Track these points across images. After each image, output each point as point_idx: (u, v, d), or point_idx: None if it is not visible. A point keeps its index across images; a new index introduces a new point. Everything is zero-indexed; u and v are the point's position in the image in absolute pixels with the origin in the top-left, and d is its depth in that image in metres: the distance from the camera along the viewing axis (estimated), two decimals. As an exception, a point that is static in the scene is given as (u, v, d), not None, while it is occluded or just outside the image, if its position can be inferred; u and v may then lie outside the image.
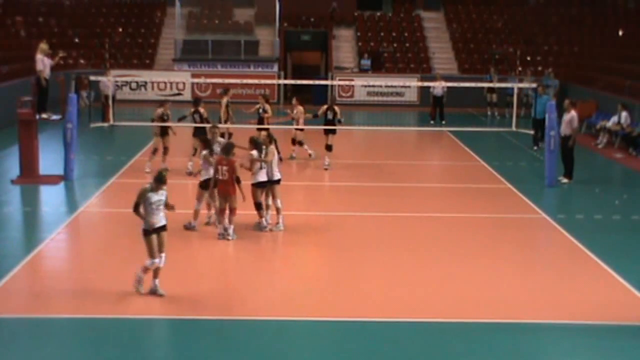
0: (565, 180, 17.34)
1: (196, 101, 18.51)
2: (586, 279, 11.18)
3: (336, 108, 18.58)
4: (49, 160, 17.62)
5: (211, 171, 12.70)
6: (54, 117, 17.15)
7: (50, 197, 15.70)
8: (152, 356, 8.50)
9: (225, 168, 12.31)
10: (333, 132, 18.57)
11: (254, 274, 11.23)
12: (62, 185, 16.45)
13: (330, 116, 18.61)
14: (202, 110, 17.77)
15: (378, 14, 36.76)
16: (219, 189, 12.52)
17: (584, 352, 8.85)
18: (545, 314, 9.77)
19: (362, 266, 11.53)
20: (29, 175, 16.53)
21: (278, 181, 13.20)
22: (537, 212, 14.92)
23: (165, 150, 17.90)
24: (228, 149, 12.58)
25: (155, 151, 17.81)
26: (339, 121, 18.57)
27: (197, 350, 8.57)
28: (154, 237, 10.07)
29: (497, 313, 9.82)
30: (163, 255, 10.13)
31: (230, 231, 12.63)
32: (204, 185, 13.00)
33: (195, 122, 17.69)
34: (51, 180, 16.57)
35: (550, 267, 11.70)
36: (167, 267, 11.51)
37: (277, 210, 13.18)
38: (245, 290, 10.52)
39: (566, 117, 17.44)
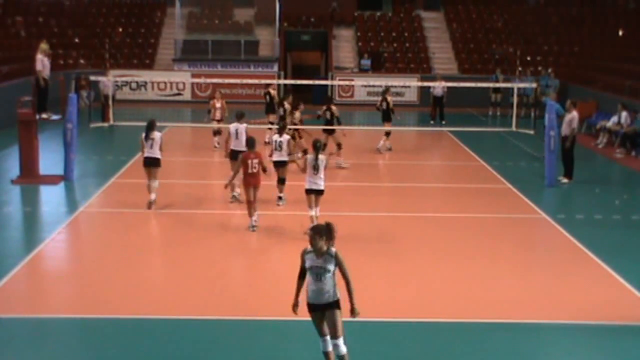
0: (565, 180, 17.34)
1: (329, 100, 19.57)
2: (586, 279, 11.18)
3: (333, 108, 19.22)
4: (49, 160, 17.62)
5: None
6: (54, 117, 17.15)
7: (50, 197, 15.70)
8: (152, 356, 8.49)
9: (255, 161, 13.06)
10: (331, 132, 19.21)
11: (254, 274, 11.23)
12: (62, 185, 16.45)
13: (328, 116, 19.22)
14: (333, 108, 19.01)
15: (378, 14, 36.78)
16: (249, 181, 13.14)
17: (583, 352, 8.84)
18: (545, 314, 9.77)
19: (362, 266, 11.51)
20: (29, 175, 16.54)
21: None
22: (537, 212, 14.92)
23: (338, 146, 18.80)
24: (253, 143, 13.29)
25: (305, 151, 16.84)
26: (338, 121, 19.21)
27: (197, 350, 8.57)
28: (318, 315, 7.76)
29: (497, 313, 9.82)
30: (340, 340, 7.70)
31: (254, 222, 13.30)
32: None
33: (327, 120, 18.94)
34: (51, 180, 16.57)
35: (550, 267, 11.70)
36: (167, 267, 11.51)
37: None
38: (245, 290, 10.51)
39: (567, 117, 17.46)
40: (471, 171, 18.96)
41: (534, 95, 25.66)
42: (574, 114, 17.43)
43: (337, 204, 15.45)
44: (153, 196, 14.43)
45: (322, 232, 7.62)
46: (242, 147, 14.52)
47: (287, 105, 19.28)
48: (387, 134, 20.92)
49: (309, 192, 12.64)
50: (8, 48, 27.94)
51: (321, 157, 12.48)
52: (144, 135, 14.32)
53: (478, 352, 8.71)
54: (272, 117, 20.89)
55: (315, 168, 12.44)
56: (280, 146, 14.64)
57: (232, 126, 15.17)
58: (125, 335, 8.96)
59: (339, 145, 18.69)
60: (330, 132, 18.99)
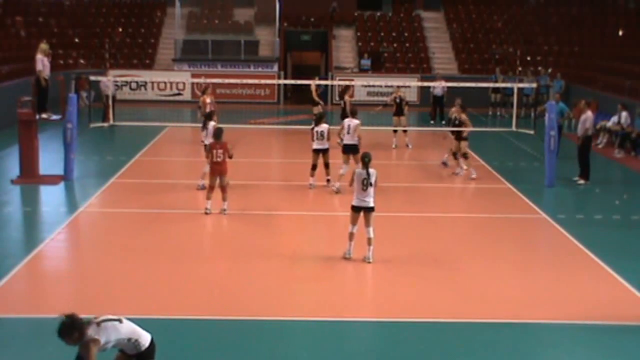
0: (581, 182, 17.34)
1: (462, 106, 18.73)
2: (586, 279, 11.18)
3: (463, 116, 18.17)
4: (49, 160, 17.62)
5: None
6: (54, 117, 17.14)
7: (50, 197, 15.69)
8: (152, 356, 8.48)
9: (220, 151, 13.86)
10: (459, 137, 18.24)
11: (254, 274, 11.22)
12: (62, 185, 16.44)
13: (398, 100, 21.47)
14: (463, 116, 18.08)
15: (378, 14, 36.78)
16: (214, 169, 14.02)
17: (584, 351, 8.84)
18: (545, 314, 9.77)
19: (362, 266, 11.52)
20: (29, 175, 16.53)
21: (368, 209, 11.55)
22: (537, 212, 14.92)
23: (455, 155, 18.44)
24: (219, 133, 14.13)
25: (455, 155, 18.32)
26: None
27: (197, 350, 8.57)
28: None
29: (497, 313, 9.82)
30: None
31: (225, 206, 14.05)
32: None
33: (453, 124, 18.40)
34: (51, 180, 16.56)
35: (550, 266, 11.70)
36: (167, 266, 11.50)
37: (368, 240, 11.59)
38: (245, 290, 10.51)
39: (581, 117, 17.53)
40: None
41: (534, 95, 25.68)
42: (589, 114, 17.46)
43: (335, 204, 15.46)
44: (201, 182, 15.75)
45: (70, 331, 6.53)
46: (354, 141, 16.12)
47: (347, 98, 22.00)
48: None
49: (355, 209, 11.49)
50: (8, 48, 27.94)
51: (371, 171, 11.37)
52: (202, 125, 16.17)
53: (478, 352, 8.70)
54: (316, 109, 22.62)
55: (365, 184, 11.30)
56: (348, 131, 16.17)
57: (347, 121, 16.41)
58: (125, 335, 8.94)
59: (463, 155, 18.02)
60: (459, 138, 18.07)
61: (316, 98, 23.56)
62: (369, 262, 11.46)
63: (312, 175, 16.38)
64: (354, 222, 11.54)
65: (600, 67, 29.90)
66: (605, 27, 34.14)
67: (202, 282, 10.82)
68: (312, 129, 16.41)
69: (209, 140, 15.65)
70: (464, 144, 17.92)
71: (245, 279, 10.95)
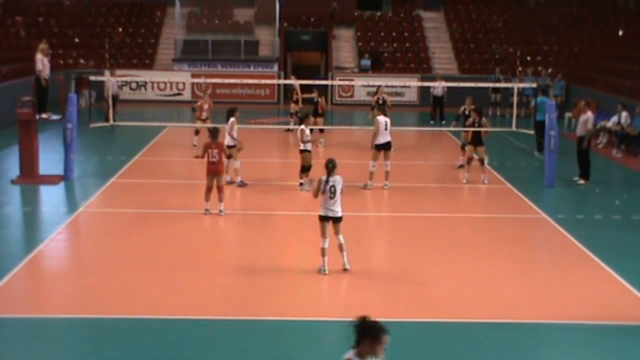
0: (581, 182, 17.34)
1: (478, 111, 18.00)
2: (586, 279, 11.18)
3: (484, 120, 17.49)
4: (49, 160, 17.62)
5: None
6: (54, 117, 17.16)
7: (50, 197, 15.69)
8: (152, 356, 8.49)
9: (215, 151, 13.90)
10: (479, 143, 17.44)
11: (253, 274, 11.22)
12: (62, 185, 16.45)
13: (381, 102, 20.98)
14: (484, 120, 17.48)
15: (378, 14, 36.80)
16: (210, 169, 13.93)
17: (583, 351, 8.84)
18: (545, 314, 9.77)
19: (362, 266, 11.51)
20: (29, 175, 16.54)
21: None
22: (537, 212, 14.93)
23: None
24: (216, 134, 14.22)
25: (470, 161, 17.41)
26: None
27: (197, 350, 8.57)
28: None
29: (497, 313, 9.82)
30: None
31: (222, 207, 13.97)
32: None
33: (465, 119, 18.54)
34: (51, 180, 16.57)
35: (550, 266, 11.70)
36: (166, 266, 11.52)
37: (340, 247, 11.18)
38: (245, 290, 10.51)
39: (582, 117, 17.53)
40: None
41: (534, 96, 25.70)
42: (589, 114, 17.49)
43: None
44: (228, 177, 15.95)
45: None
46: (390, 138, 16.28)
47: (322, 99, 22.36)
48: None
49: (322, 219, 10.99)
50: (8, 48, 27.94)
51: (335, 178, 10.83)
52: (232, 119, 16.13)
53: (478, 352, 8.71)
54: (294, 107, 23.80)
55: (331, 192, 10.78)
56: (386, 127, 16.24)
57: (382, 118, 16.31)
58: (125, 335, 8.96)
59: (481, 161, 17.16)
60: (477, 143, 17.20)
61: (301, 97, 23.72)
62: (346, 269, 11.04)
63: (301, 178, 16.41)
64: (324, 234, 10.96)
65: (600, 67, 29.90)
66: (605, 27, 34.15)
67: (202, 282, 10.82)
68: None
69: (230, 139, 15.95)
70: (481, 149, 17.09)
71: (245, 279, 10.95)
